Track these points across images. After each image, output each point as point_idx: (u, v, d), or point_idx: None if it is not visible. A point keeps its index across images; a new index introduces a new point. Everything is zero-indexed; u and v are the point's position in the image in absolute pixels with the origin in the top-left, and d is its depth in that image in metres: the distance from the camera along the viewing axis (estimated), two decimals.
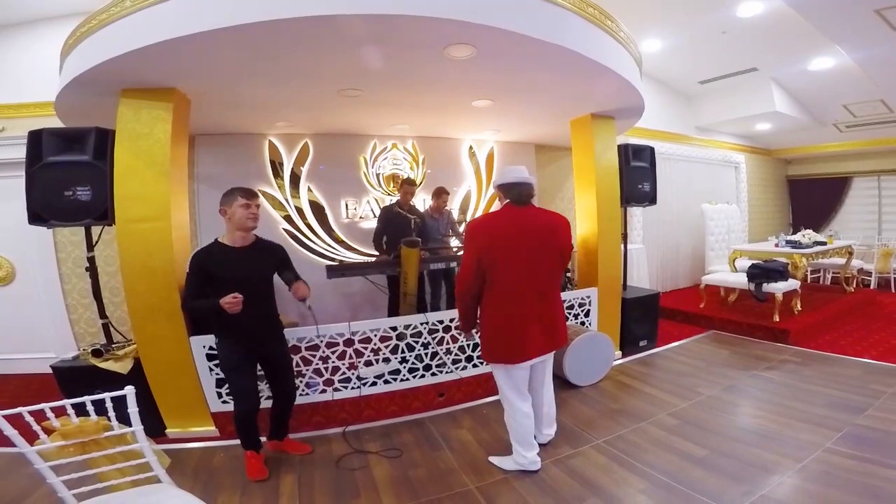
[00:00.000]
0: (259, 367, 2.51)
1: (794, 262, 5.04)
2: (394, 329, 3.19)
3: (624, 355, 4.19)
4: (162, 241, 2.83)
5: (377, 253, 4.45)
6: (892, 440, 2.44)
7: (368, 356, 3.10)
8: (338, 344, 3.04)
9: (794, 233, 5.76)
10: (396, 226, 4.00)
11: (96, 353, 2.94)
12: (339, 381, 3.07)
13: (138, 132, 2.81)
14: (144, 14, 2.30)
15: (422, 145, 5.25)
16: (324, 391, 3.05)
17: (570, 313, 3.83)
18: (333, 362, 3.05)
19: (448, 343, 3.29)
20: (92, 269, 3.16)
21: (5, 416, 1.44)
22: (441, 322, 3.25)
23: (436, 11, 2.15)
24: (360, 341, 3.10)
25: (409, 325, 3.21)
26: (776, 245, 5.47)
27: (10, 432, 1.45)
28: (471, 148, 5.52)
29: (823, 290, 6.37)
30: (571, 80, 3.22)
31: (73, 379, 2.82)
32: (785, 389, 3.27)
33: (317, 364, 3.03)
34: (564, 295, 3.81)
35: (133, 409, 1.67)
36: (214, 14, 2.16)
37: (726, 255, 6.04)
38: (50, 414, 1.55)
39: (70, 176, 2.81)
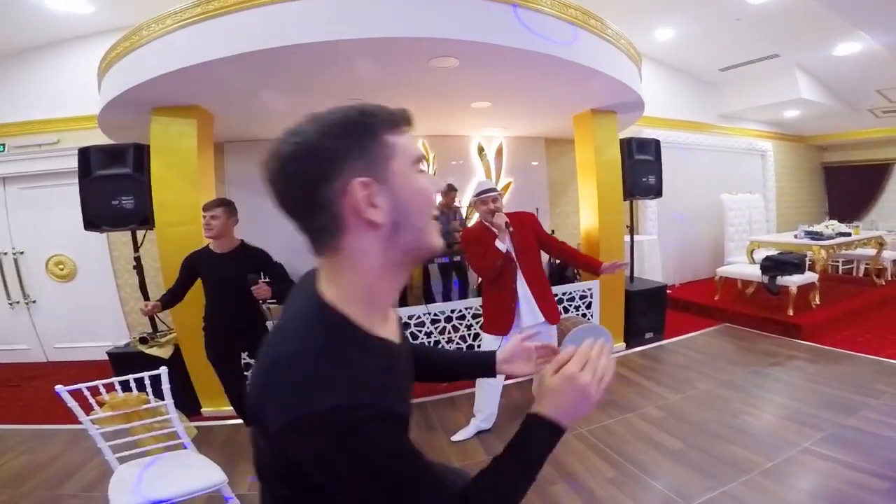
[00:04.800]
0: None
1: (815, 254, 4.95)
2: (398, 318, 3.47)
3: (628, 347, 4.30)
4: (194, 242, 3.16)
5: None
6: (873, 443, 2.43)
7: None
8: None
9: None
10: None
11: (143, 341, 3.39)
12: None
13: (168, 146, 3.19)
14: (159, 43, 2.65)
15: (432, 143, 5.47)
16: None
17: (571, 305, 3.99)
18: None
19: (449, 332, 3.54)
20: (138, 267, 3.64)
21: (70, 392, 1.82)
22: (442, 312, 3.51)
23: (416, 32, 2.40)
24: None
25: (413, 316, 3.48)
26: (795, 236, 5.36)
27: (72, 404, 1.81)
28: (479, 145, 5.69)
29: (852, 283, 6.15)
30: (557, 82, 3.34)
31: (124, 363, 3.25)
32: (781, 386, 3.31)
33: None
34: (565, 287, 3.99)
35: (166, 385, 2.01)
36: (226, 42, 2.46)
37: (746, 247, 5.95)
38: (102, 389, 1.92)
39: (115, 187, 3.25)
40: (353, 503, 0.58)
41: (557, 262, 5.52)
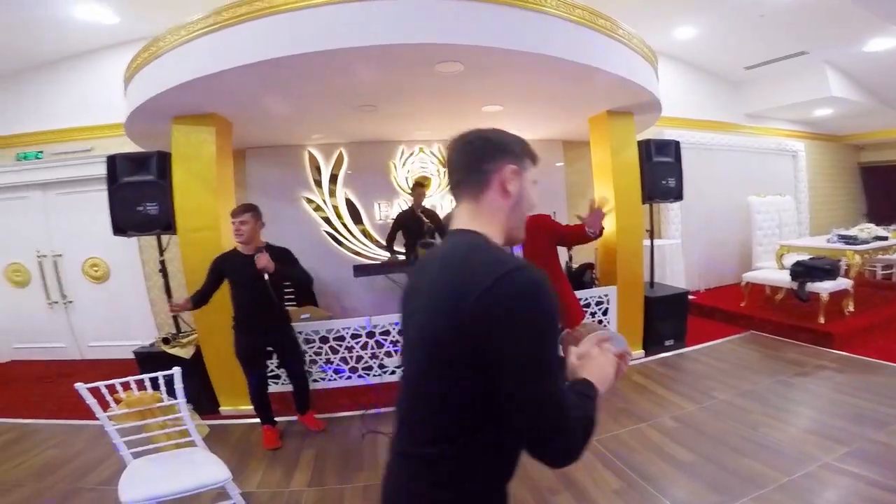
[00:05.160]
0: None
1: (849, 259, 4.71)
2: None
3: (647, 354, 4.20)
4: (213, 246, 3.29)
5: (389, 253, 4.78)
6: None
7: (388, 347, 3.44)
8: (360, 335, 3.41)
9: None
10: (411, 228, 4.31)
11: (165, 341, 3.53)
12: (363, 369, 3.44)
13: (189, 154, 3.31)
14: (175, 54, 2.77)
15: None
16: (349, 377, 3.44)
17: (586, 311, 3.93)
18: (357, 352, 3.43)
19: None
20: (163, 271, 3.78)
21: (90, 389, 1.92)
22: None
23: (419, 38, 2.44)
24: (380, 333, 3.45)
25: None
26: (828, 240, 5.12)
27: (90, 401, 1.90)
28: None
29: (890, 289, 5.80)
30: (566, 84, 3.32)
31: (148, 362, 3.38)
32: (807, 397, 3.17)
33: (343, 353, 3.42)
34: (580, 293, 3.93)
35: (178, 385, 2.08)
36: (236, 52, 2.56)
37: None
38: (119, 388, 2.02)
39: (140, 193, 3.38)
40: (518, 365, 0.71)
41: (575, 266, 5.46)
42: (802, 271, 4.59)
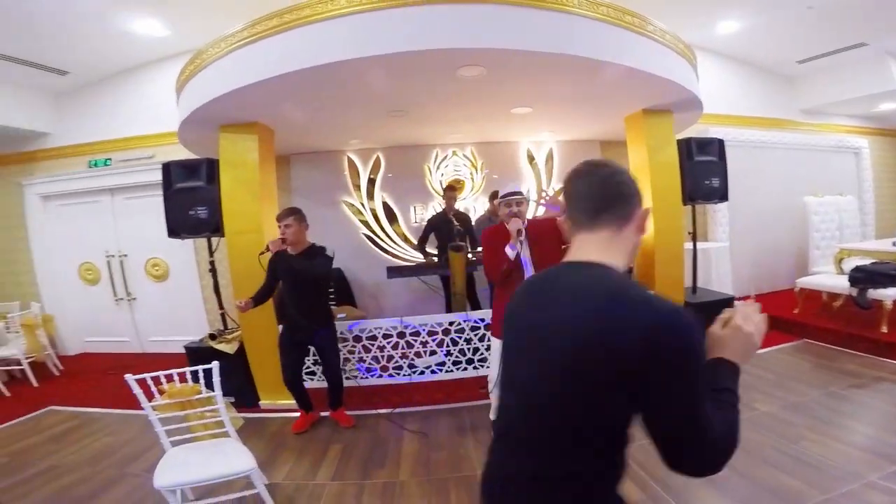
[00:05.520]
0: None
1: None
2: (439, 325, 3.57)
3: None
4: (257, 248, 3.44)
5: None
6: None
7: (418, 348, 3.53)
8: (392, 336, 3.52)
9: None
10: (442, 231, 4.37)
11: (212, 337, 3.79)
12: (393, 369, 3.55)
13: (234, 161, 3.53)
14: (215, 67, 2.99)
15: (480, 150, 5.53)
16: (380, 376, 3.55)
17: None
18: (388, 352, 3.53)
19: (489, 339, 3.56)
20: (213, 271, 4.05)
21: (137, 381, 2.11)
22: (483, 320, 3.53)
23: (441, 43, 2.51)
24: (410, 334, 3.54)
25: (453, 322, 3.55)
26: (894, 244, 4.70)
27: (137, 391, 2.09)
28: (529, 151, 5.63)
29: None
30: (596, 84, 3.26)
31: (197, 356, 3.63)
32: (861, 410, 2.94)
33: (375, 353, 3.54)
34: None
35: (216, 379, 2.24)
36: (269, 63, 2.73)
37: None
38: (163, 380, 2.21)
39: (192, 198, 3.66)
40: (677, 396, 0.76)
41: None
42: (863, 277, 4.25)
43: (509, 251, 2.46)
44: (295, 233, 2.92)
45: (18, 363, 4.47)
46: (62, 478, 2.69)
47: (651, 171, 3.91)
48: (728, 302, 4.27)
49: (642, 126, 3.97)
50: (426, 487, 2.45)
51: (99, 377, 4.67)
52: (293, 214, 2.94)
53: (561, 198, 1.03)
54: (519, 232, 2.46)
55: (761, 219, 6.05)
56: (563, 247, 2.68)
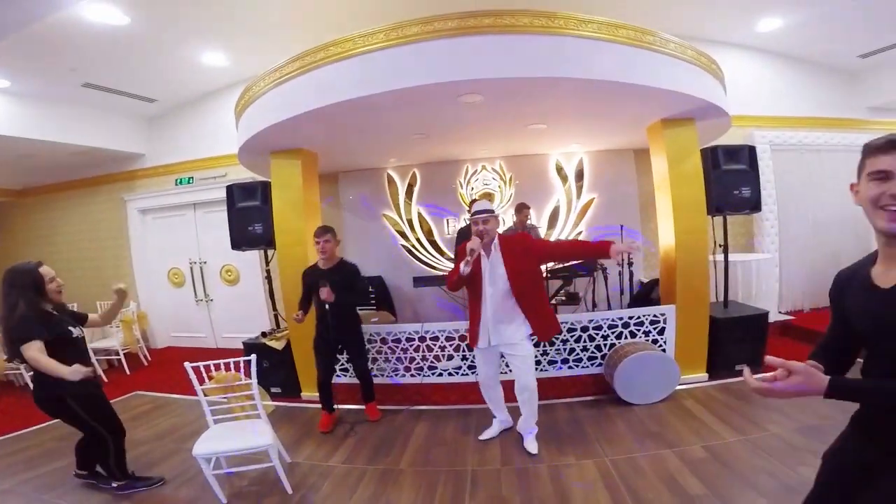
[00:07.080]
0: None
1: None
2: (456, 331, 3.85)
3: (711, 378, 3.92)
4: (301, 260, 3.96)
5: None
6: None
7: (437, 352, 3.84)
8: (414, 339, 3.88)
9: None
10: None
11: (264, 335, 4.39)
12: (415, 370, 3.89)
13: (283, 183, 4.08)
14: (260, 103, 3.53)
15: (509, 164, 5.72)
16: (402, 376, 3.92)
17: (639, 330, 3.84)
18: (411, 354, 3.89)
19: None
20: (268, 278, 4.68)
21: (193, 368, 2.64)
22: None
23: (442, 77, 2.85)
24: (430, 339, 3.87)
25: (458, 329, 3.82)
26: None
27: (192, 376, 2.63)
28: (558, 163, 5.72)
29: None
30: (602, 103, 3.42)
31: (252, 350, 4.17)
32: None
33: (399, 354, 3.91)
34: (633, 311, 3.88)
35: (254, 369, 2.69)
36: (302, 99, 3.20)
37: None
38: (212, 368, 2.73)
39: (250, 216, 4.29)
40: None
41: (645, 280, 5.27)
42: None
43: (463, 267, 2.66)
44: (331, 248, 3.33)
45: (117, 353, 5.42)
46: (133, 450, 3.04)
47: (671, 181, 3.88)
48: (761, 318, 4.11)
49: (662, 136, 3.95)
50: (419, 477, 2.72)
51: (178, 367, 5.47)
52: (329, 231, 3.36)
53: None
54: (471, 252, 2.63)
55: (818, 229, 5.64)
56: (542, 260, 2.90)
